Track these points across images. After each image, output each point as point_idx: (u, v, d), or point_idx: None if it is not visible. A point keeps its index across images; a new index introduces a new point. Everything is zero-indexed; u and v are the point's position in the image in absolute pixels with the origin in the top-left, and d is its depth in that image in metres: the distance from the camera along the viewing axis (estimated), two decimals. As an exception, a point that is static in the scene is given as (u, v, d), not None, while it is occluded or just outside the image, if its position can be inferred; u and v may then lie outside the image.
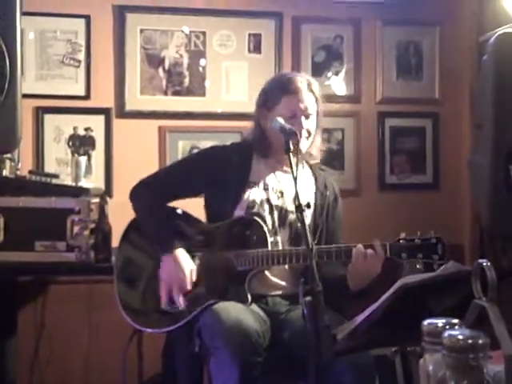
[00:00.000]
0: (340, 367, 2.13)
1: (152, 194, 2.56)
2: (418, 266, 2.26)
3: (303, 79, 2.54)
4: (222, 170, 2.51)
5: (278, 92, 2.53)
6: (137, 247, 2.59)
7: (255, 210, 2.47)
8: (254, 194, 2.50)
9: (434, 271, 2.22)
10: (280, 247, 2.43)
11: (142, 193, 2.58)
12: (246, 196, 2.49)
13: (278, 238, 2.46)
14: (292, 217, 2.50)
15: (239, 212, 2.47)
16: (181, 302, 2.41)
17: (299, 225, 2.47)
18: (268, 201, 2.50)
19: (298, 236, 2.48)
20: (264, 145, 2.57)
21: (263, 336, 2.26)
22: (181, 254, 2.44)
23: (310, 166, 2.65)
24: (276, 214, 2.50)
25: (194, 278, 2.43)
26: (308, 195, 2.53)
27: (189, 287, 2.42)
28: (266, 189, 2.52)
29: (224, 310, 2.25)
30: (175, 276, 2.41)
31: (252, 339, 2.17)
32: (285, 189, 2.54)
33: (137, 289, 2.54)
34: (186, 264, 2.42)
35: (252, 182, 2.52)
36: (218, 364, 2.20)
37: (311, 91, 2.53)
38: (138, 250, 2.59)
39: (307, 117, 2.51)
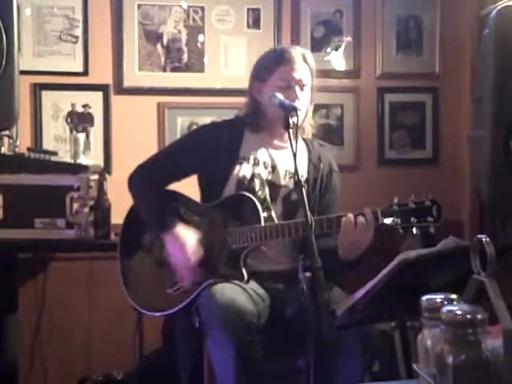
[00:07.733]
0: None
1: (148, 178, 2.53)
2: (414, 232, 2.15)
3: (298, 50, 2.52)
4: (214, 148, 2.48)
5: (271, 63, 2.50)
6: (139, 236, 2.57)
7: (245, 186, 2.45)
8: (243, 170, 2.47)
9: (431, 235, 2.16)
10: (275, 221, 2.40)
11: (139, 178, 2.56)
12: (235, 172, 2.46)
13: (272, 213, 2.43)
14: (284, 191, 2.48)
15: (230, 189, 2.45)
16: (188, 279, 2.39)
17: (292, 200, 2.48)
18: (258, 176, 2.48)
19: (290, 211, 2.45)
20: (257, 119, 2.54)
21: (258, 315, 2.25)
22: (181, 230, 2.42)
23: (304, 140, 2.60)
24: (267, 189, 2.47)
25: (197, 254, 2.40)
26: (301, 168, 2.47)
27: (192, 263, 2.39)
28: (256, 164, 2.49)
29: (219, 291, 2.24)
30: (179, 253, 2.39)
31: (246, 319, 2.16)
32: (277, 164, 2.51)
33: (141, 275, 2.53)
34: (188, 239, 2.39)
35: (242, 157, 2.49)
36: (214, 344, 2.21)
37: (306, 62, 2.50)
38: (140, 238, 2.56)
39: (302, 88, 2.47)
